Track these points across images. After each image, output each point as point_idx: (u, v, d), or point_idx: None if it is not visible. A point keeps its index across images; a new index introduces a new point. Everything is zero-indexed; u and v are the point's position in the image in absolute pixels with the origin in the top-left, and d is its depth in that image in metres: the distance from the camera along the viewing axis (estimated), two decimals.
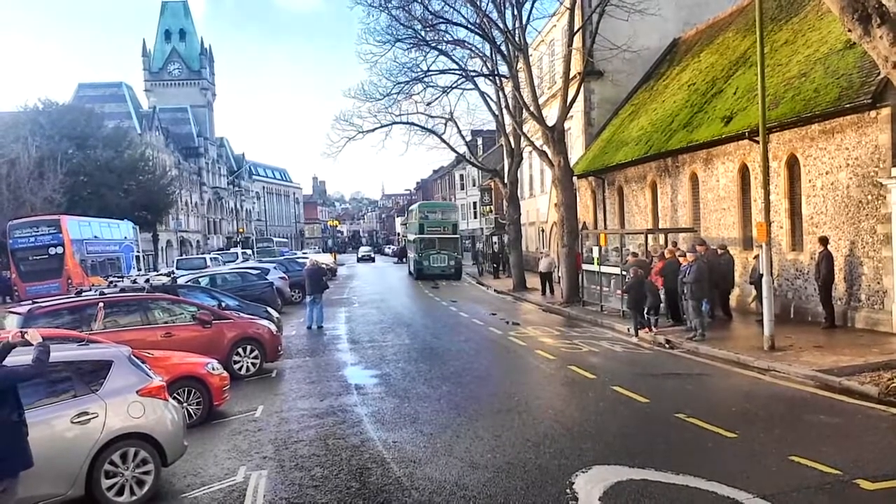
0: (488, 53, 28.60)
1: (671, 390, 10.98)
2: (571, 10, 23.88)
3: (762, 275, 13.18)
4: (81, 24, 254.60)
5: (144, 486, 7.01)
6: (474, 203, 62.95)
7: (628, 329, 16.62)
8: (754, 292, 16.01)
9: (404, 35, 28.37)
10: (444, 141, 32.70)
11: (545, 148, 24.62)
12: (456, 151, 37.00)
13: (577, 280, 22.75)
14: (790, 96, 16.07)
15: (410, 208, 54.94)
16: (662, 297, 16.66)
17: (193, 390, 9.99)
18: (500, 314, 22.10)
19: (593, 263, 21.06)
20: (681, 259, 15.84)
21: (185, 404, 9.49)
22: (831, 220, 15.18)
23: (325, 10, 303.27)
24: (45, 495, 6.42)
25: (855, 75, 14.24)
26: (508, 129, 31.11)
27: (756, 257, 15.41)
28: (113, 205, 40.26)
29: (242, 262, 40.11)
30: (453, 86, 30.50)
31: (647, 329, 15.96)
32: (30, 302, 13.44)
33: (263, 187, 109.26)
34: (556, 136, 23.74)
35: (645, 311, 16.05)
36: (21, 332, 5.89)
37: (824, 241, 14.60)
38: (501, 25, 25.42)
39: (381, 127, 31.11)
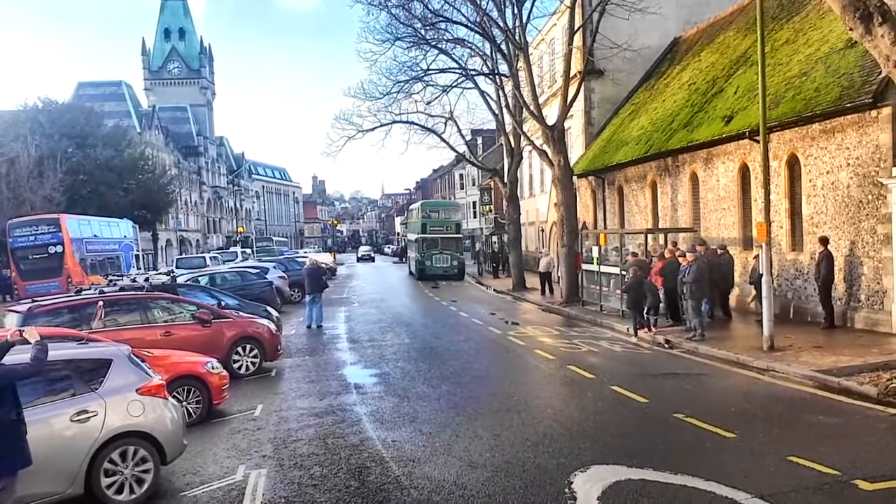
0: (488, 52, 28.56)
1: (670, 390, 10.98)
2: (572, 8, 23.87)
3: (762, 275, 13.17)
4: (81, 23, 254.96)
5: (144, 485, 7.02)
6: (474, 203, 62.85)
7: (627, 329, 16.62)
8: (754, 292, 16.00)
9: (404, 33, 28.37)
10: (443, 140, 32.70)
11: (545, 147, 24.61)
12: (456, 151, 36.88)
13: (577, 280, 22.75)
14: (791, 96, 16.05)
15: (412, 207, 54.61)
16: (662, 296, 16.66)
17: (193, 389, 10.01)
18: (500, 314, 22.11)
19: (593, 263, 21.06)
20: (680, 259, 15.83)
21: (184, 403, 9.51)
22: (831, 219, 15.17)
23: (325, 9, 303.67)
24: (44, 493, 6.43)
25: (856, 74, 14.22)
26: (508, 128, 31.08)
27: (756, 257, 15.39)
28: (112, 204, 40.23)
29: (242, 261, 40.14)
30: (453, 85, 30.54)
31: (646, 329, 15.96)
32: (29, 300, 13.41)
33: (263, 186, 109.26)
34: (556, 135, 23.72)
35: (644, 311, 16.04)
36: (19, 330, 5.90)
37: (824, 241, 14.58)
38: (502, 24, 25.39)
39: (381, 126, 31.14)
